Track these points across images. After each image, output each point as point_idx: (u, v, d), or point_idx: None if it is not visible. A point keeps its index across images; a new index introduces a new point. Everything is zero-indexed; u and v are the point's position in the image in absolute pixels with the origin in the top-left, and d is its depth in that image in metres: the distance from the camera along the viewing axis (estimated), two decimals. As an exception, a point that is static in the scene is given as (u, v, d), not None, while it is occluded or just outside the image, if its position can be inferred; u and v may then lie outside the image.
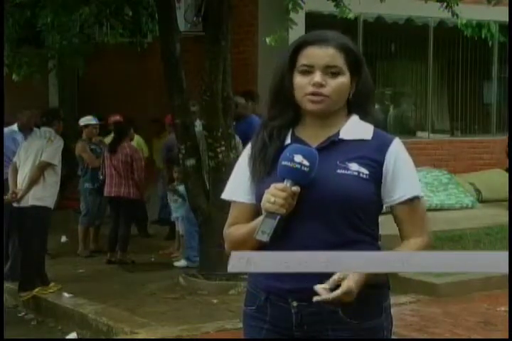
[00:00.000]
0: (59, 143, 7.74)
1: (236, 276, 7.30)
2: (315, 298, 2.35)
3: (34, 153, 7.61)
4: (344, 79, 2.50)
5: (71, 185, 10.52)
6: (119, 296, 7.37)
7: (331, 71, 2.49)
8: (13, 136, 9.00)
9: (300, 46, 2.52)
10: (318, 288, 2.36)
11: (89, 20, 9.40)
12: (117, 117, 10.34)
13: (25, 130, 8.95)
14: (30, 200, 7.52)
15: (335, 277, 2.35)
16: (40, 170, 7.57)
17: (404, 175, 2.53)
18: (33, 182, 7.52)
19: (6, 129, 9.51)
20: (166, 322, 6.40)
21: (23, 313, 7.55)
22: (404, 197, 2.52)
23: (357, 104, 2.57)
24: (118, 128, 9.58)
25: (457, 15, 8.31)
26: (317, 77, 2.47)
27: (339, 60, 2.49)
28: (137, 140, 10.67)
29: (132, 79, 12.71)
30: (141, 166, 9.21)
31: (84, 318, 6.71)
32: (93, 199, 9.62)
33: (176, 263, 8.64)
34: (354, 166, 2.48)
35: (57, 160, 7.66)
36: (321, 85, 2.47)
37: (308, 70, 2.49)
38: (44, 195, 7.57)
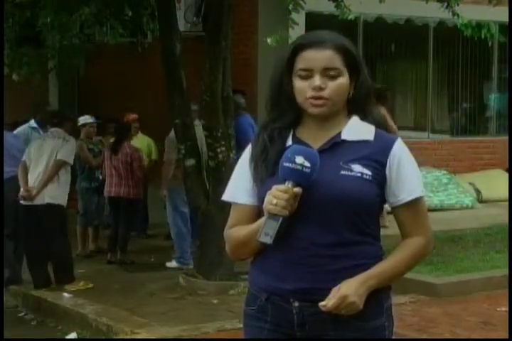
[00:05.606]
0: (73, 143, 7.86)
1: (236, 276, 7.31)
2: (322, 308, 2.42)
3: (49, 152, 7.65)
4: (343, 81, 2.49)
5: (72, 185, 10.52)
6: (119, 296, 7.37)
7: (330, 73, 2.47)
8: (31, 133, 9.24)
9: (297, 49, 2.50)
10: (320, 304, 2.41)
11: (89, 20, 9.38)
12: (130, 116, 10.30)
13: (45, 126, 9.04)
14: (46, 198, 7.55)
15: (334, 289, 2.41)
16: (57, 168, 7.62)
17: (408, 175, 2.53)
18: (48, 180, 7.56)
19: (21, 127, 9.71)
20: (166, 322, 6.40)
21: (23, 313, 7.55)
22: (408, 198, 2.53)
23: (356, 104, 2.56)
24: (119, 128, 9.56)
25: (458, 15, 8.29)
26: (317, 81, 2.46)
27: (337, 62, 2.48)
28: (147, 141, 10.62)
29: (132, 79, 12.71)
30: (139, 166, 9.19)
31: (84, 318, 6.71)
32: (90, 199, 9.60)
33: (168, 264, 8.64)
34: (357, 167, 2.47)
35: (71, 160, 7.75)
36: (320, 88, 2.46)
37: (307, 74, 2.48)
38: (58, 193, 7.63)
